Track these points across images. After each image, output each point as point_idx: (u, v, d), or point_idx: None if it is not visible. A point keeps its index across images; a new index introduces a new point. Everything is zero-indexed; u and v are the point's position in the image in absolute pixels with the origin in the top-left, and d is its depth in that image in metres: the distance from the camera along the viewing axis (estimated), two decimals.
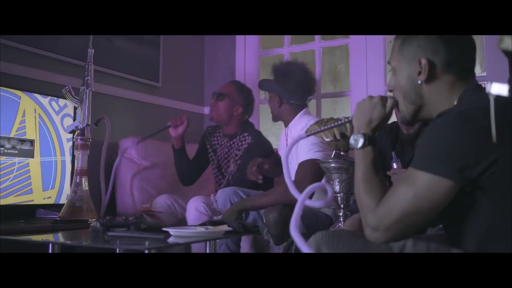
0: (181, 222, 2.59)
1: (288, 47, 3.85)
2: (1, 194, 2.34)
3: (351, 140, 1.29)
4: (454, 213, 1.15)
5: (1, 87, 2.36)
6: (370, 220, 1.14)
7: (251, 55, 3.98)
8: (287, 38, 3.86)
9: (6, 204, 2.35)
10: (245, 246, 2.55)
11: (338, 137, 1.65)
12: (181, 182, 2.97)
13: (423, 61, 1.22)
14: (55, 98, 2.61)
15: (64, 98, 2.48)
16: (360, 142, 1.27)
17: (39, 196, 2.52)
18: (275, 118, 2.66)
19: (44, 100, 2.57)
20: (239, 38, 3.96)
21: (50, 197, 2.57)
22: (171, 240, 1.52)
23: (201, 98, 4.03)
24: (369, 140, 1.28)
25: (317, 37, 3.73)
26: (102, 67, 3.07)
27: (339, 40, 3.72)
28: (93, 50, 2.43)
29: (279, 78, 2.51)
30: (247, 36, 3.95)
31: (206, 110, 3.96)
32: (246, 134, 2.85)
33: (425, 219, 1.14)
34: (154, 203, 2.74)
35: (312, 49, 3.76)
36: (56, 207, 2.47)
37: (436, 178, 1.07)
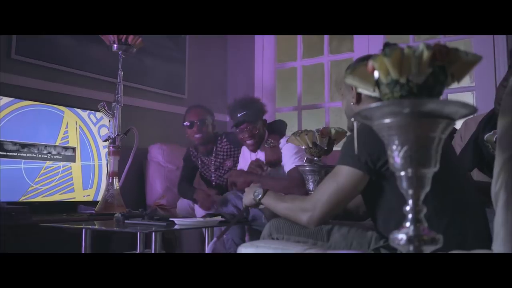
0: None
1: (300, 61, 4.17)
2: (49, 192, 2.76)
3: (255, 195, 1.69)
4: (369, 199, 1.47)
5: (47, 104, 2.78)
6: (308, 205, 1.45)
7: (268, 68, 4.31)
8: (299, 52, 4.18)
9: (52, 201, 2.77)
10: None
11: (310, 145, 1.98)
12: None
13: (353, 89, 1.56)
14: (93, 111, 3.01)
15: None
16: (258, 194, 1.68)
17: (80, 194, 2.93)
18: (256, 147, 2.82)
19: (84, 114, 2.99)
20: (258, 53, 4.30)
21: (89, 195, 2.98)
22: (176, 227, 1.89)
23: (224, 107, 4.37)
24: (264, 193, 1.67)
25: (325, 51, 4.04)
26: (134, 83, 3.48)
27: (345, 54, 4.02)
28: (123, 72, 2.80)
29: (257, 107, 2.87)
30: (265, 51, 4.29)
31: (228, 117, 4.31)
32: (220, 139, 3.12)
33: (346, 201, 1.45)
34: (178, 206, 3.01)
35: (321, 62, 4.06)
36: (95, 203, 2.82)
37: (351, 169, 1.39)
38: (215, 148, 3.09)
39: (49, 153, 2.77)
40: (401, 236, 0.90)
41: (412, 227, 0.91)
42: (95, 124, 3.04)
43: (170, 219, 1.94)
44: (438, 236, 0.91)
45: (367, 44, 3.75)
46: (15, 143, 2.61)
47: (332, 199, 1.41)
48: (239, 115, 2.76)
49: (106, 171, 2.97)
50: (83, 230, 1.96)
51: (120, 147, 2.73)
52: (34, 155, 2.69)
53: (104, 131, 3.02)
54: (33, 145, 2.69)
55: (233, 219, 2.03)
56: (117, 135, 2.72)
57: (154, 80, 3.69)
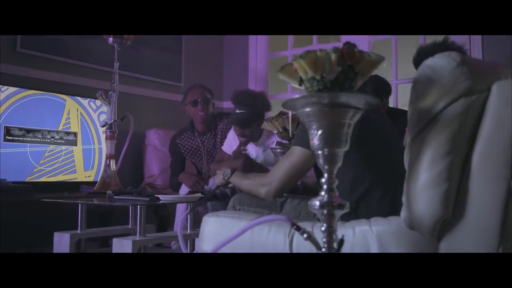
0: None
1: (291, 50, 4.36)
2: (53, 173, 3.00)
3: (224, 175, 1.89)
4: (319, 175, 1.67)
5: (50, 92, 3.00)
6: (266, 180, 1.64)
7: (261, 57, 4.51)
8: (290, 42, 4.36)
9: (56, 181, 3.01)
10: None
11: (281, 130, 2.19)
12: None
13: None
14: (93, 99, 3.23)
15: None
16: (227, 174, 1.88)
17: (81, 175, 3.16)
18: (248, 142, 2.78)
19: (84, 101, 3.20)
20: (251, 43, 4.49)
21: (90, 176, 3.21)
22: (160, 202, 2.11)
23: (220, 94, 4.57)
24: (231, 173, 1.87)
25: (314, 40, 4.23)
26: (134, 73, 3.70)
27: (332, 44, 4.20)
28: (122, 63, 3.00)
29: (260, 104, 2.69)
30: (258, 41, 4.48)
31: (225, 104, 4.52)
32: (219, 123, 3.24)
33: (298, 176, 1.64)
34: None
35: None
36: (95, 183, 3.02)
37: (302, 149, 1.56)
38: (217, 127, 3.22)
39: (52, 137, 2.99)
40: (315, 202, 1.10)
41: (326, 195, 1.11)
42: (95, 111, 3.26)
43: (156, 195, 2.16)
44: (345, 202, 1.10)
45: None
46: (21, 129, 2.84)
47: (286, 175, 1.61)
48: (237, 111, 2.68)
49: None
50: (79, 205, 2.19)
51: (116, 132, 2.93)
52: (39, 140, 2.92)
53: (104, 117, 3.23)
54: (38, 131, 2.92)
55: (206, 195, 2.26)
56: (114, 121, 2.92)
57: (152, 69, 3.89)
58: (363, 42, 3.89)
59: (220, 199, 2.23)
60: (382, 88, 2.68)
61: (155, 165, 3.57)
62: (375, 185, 1.53)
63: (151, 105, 3.89)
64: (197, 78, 4.27)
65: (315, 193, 1.97)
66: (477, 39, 3.33)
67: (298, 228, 1.13)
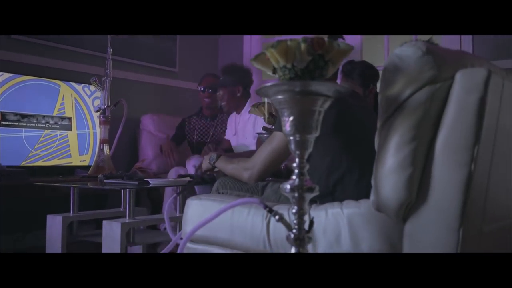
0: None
1: (285, 35, 4.37)
2: (48, 158, 3.05)
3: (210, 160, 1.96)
4: None
5: (45, 78, 3.04)
6: (249, 164, 1.69)
7: (256, 42, 4.53)
8: None
9: (51, 165, 3.06)
10: None
11: (267, 115, 2.23)
12: None
13: None
14: (87, 85, 3.26)
15: None
16: (213, 159, 1.95)
17: (76, 160, 3.21)
18: (231, 109, 3.27)
19: (79, 87, 3.24)
20: None
21: (84, 160, 3.26)
22: (150, 186, 2.17)
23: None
24: (217, 158, 1.95)
25: None
26: (127, 58, 3.72)
27: None
28: (111, 49, 3.02)
29: (237, 73, 3.16)
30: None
31: None
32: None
33: (279, 160, 1.69)
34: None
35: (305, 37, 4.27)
36: (90, 167, 3.13)
37: (282, 134, 1.59)
38: (220, 115, 3.54)
39: (47, 122, 3.04)
40: (287, 186, 1.15)
41: (297, 179, 1.15)
42: (89, 96, 3.30)
43: (146, 179, 2.22)
44: (315, 185, 1.14)
45: None
46: (16, 114, 2.88)
47: (267, 159, 1.66)
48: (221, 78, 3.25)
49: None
50: (71, 188, 2.24)
51: (109, 117, 2.98)
52: (33, 125, 2.97)
53: (98, 103, 3.27)
54: (32, 116, 2.96)
55: (195, 179, 2.31)
56: (107, 106, 2.97)
57: (146, 54, 3.92)
58: (355, 37, 3.90)
59: (208, 183, 2.28)
60: (369, 73, 2.72)
61: (150, 150, 3.62)
62: (352, 169, 1.58)
63: (146, 90, 3.92)
64: (192, 64, 4.32)
65: None
66: (467, 39, 3.36)
67: (271, 211, 1.18)
